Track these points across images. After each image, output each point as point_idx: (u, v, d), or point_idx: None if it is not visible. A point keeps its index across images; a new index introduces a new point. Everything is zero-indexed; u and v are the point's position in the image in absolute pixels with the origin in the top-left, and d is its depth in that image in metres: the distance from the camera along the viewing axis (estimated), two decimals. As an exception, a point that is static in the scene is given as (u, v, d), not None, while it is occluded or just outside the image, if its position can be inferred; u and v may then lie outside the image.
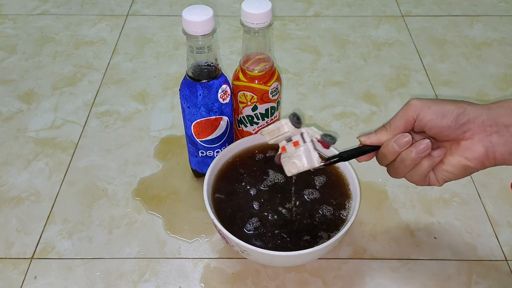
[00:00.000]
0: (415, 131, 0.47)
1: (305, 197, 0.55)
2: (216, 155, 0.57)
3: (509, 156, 0.44)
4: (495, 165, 0.45)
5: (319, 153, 0.46)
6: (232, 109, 0.58)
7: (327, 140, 0.46)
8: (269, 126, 0.47)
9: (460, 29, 0.95)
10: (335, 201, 0.54)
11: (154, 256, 0.57)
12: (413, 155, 0.46)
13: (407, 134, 0.46)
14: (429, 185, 0.49)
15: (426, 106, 0.45)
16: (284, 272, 0.55)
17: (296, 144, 0.45)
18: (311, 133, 0.46)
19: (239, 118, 0.60)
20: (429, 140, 0.46)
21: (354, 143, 0.71)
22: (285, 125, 0.45)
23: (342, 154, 0.48)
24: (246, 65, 0.55)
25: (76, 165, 0.68)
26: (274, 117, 0.60)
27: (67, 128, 0.73)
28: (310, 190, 0.55)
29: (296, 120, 0.45)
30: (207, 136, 0.57)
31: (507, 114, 0.43)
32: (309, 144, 0.45)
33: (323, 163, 0.46)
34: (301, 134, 0.46)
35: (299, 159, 0.45)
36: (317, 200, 0.54)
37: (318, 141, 0.46)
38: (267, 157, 0.59)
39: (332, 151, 0.54)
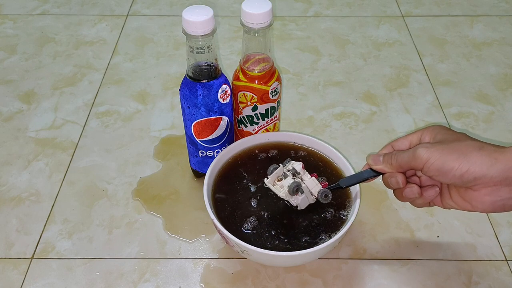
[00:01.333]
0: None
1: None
2: (216, 155, 0.57)
3: None
4: (503, 211, 0.45)
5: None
6: (232, 109, 0.58)
7: (323, 199, 0.51)
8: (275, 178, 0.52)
9: (460, 29, 0.95)
10: (335, 201, 0.54)
11: (154, 256, 0.57)
12: (416, 196, 0.48)
13: (415, 189, 0.48)
14: (433, 205, 0.50)
15: (429, 162, 0.44)
16: (284, 272, 0.55)
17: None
18: (310, 187, 0.51)
19: (239, 118, 0.60)
20: (435, 190, 0.48)
21: (354, 143, 0.71)
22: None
23: (340, 185, 0.51)
24: (246, 65, 0.55)
25: (76, 165, 0.68)
26: (274, 117, 0.60)
27: (67, 128, 0.73)
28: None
29: (324, 198, 0.51)
30: (207, 136, 0.57)
31: None
32: (307, 194, 0.51)
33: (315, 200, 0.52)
34: (301, 182, 0.51)
35: (297, 202, 0.51)
36: (317, 200, 0.54)
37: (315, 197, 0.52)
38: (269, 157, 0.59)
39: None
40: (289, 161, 0.52)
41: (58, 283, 0.54)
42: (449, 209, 0.48)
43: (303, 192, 0.50)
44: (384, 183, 0.50)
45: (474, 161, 0.42)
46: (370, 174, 0.50)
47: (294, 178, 0.50)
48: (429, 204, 0.50)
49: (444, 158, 0.43)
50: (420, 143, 0.47)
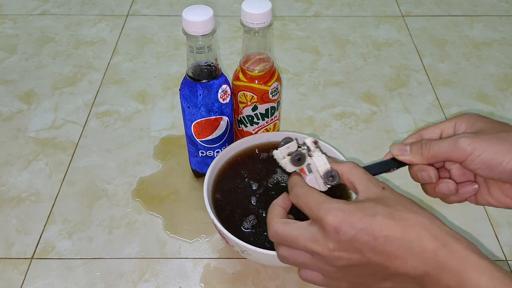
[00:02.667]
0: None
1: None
2: (216, 155, 0.57)
3: None
4: None
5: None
6: (232, 109, 0.58)
7: (328, 181, 0.43)
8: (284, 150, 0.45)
9: (460, 29, 0.95)
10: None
11: (154, 256, 0.57)
12: (452, 193, 0.43)
13: (451, 185, 0.43)
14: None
15: (474, 154, 0.38)
16: (284, 272, 0.55)
17: (302, 171, 0.44)
18: (317, 165, 0.43)
19: (239, 118, 0.60)
20: (473, 188, 0.43)
21: (354, 143, 0.71)
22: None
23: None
24: (246, 65, 0.55)
25: (76, 165, 0.68)
26: (274, 117, 0.60)
27: (67, 128, 0.73)
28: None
29: (297, 161, 0.43)
30: (207, 136, 0.57)
31: None
32: (316, 174, 0.43)
33: (329, 187, 0.44)
34: (308, 165, 0.43)
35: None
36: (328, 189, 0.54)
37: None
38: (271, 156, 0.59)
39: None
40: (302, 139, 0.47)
41: (58, 283, 0.54)
42: (483, 205, 0.44)
43: (311, 171, 0.44)
44: (412, 176, 0.44)
45: None
46: (393, 165, 0.44)
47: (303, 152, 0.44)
48: (463, 200, 0.45)
49: (493, 150, 0.38)
50: (455, 133, 0.42)
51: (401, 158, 0.43)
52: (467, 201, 0.45)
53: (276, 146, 0.60)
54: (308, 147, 0.44)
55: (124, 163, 0.68)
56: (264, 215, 0.53)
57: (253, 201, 0.54)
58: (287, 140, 0.44)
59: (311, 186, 0.41)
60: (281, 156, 0.43)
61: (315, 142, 0.45)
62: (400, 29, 0.95)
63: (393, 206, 0.36)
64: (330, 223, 0.35)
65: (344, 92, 0.80)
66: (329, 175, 0.43)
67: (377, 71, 0.85)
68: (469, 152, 0.38)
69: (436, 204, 0.63)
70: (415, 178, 0.44)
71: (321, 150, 0.44)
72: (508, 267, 0.56)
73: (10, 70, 0.84)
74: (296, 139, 0.44)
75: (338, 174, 0.42)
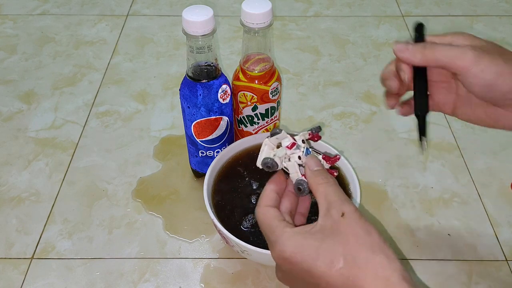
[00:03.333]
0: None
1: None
2: (216, 155, 0.57)
3: None
4: None
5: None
6: (232, 109, 0.58)
7: (297, 191, 0.43)
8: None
9: (460, 29, 0.95)
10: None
11: (154, 256, 0.57)
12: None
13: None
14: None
15: (478, 68, 0.37)
16: (284, 272, 0.55)
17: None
18: (290, 171, 0.44)
19: (239, 118, 0.60)
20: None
21: (354, 143, 0.71)
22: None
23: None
24: (246, 65, 0.55)
25: (76, 165, 0.68)
26: (274, 117, 0.60)
27: (67, 128, 0.73)
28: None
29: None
30: (207, 136, 0.57)
31: None
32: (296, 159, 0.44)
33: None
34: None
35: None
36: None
37: (309, 139, 0.45)
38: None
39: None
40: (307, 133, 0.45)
41: (58, 283, 0.54)
42: (459, 118, 0.44)
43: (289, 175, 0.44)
44: (382, 75, 0.44)
45: None
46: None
47: (285, 151, 0.44)
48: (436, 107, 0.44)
49: (496, 69, 0.37)
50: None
51: (400, 55, 0.41)
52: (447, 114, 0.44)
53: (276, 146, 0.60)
54: (297, 145, 0.44)
55: (124, 163, 0.68)
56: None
57: (253, 200, 0.54)
58: (274, 132, 0.44)
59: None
60: (271, 145, 0.44)
61: (313, 135, 0.44)
62: (400, 29, 0.95)
63: (343, 243, 0.35)
64: (278, 247, 0.38)
65: (344, 92, 0.80)
66: (297, 186, 0.43)
67: (377, 71, 0.85)
68: (471, 66, 0.37)
69: (436, 205, 0.63)
70: (383, 78, 0.44)
71: (310, 147, 0.44)
72: (508, 267, 0.56)
73: (10, 70, 0.84)
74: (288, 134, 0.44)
75: (307, 186, 0.42)
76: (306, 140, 0.44)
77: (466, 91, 0.42)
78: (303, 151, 0.43)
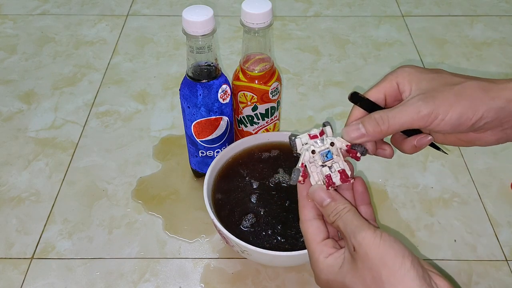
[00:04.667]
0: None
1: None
2: (216, 155, 0.57)
3: None
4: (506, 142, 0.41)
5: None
6: (232, 109, 0.58)
7: (359, 149, 0.40)
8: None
9: (460, 29, 0.95)
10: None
11: (154, 256, 0.57)
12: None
13: (388, 151, 0.42)
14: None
15: (438, 119, 0.37)
16: (284, 272, 0.55)
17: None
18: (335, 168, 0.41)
19: (239, 118, 0.60)
20: (428, 139, 0.41)
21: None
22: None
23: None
24: (246, 65, 0.55)
25: (76, 165, 0.68)
26: (274, 117, 0.60)
27: (67, 128, 0.73)
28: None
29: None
30: (207, 136, 0.57)
31: None
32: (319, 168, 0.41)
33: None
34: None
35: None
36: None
37: (347, 151, 0.41)
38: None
39: None
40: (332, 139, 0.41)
41: (58, 283, 0.54)
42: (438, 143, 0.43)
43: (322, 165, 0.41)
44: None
45: (487, 106, 0.37)
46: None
47: (307, 140, 0.41)
48: (418, 150, 0.43)
49: (457, 109, 0.37)
50: (402, 95, 0.40)
51: (357, 141, 0.40)
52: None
53: (276, 146, 0.60)
54: (321, 139, 0.41)
55: (124, 163, 0.68)
56: (264, 214, 0.53)
57: (253, 201, 0.54)
58: (324, 123, 0.42)
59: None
60: (301, 142, 0.41)
61: (351, 151, 0.41)
62: (400, 29, 0.95)
63: (361, 282, 0.34)
64: (316, 271, 0.38)
65: (344, 92, 0.80)
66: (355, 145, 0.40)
67: (377, 71, 0.85)
68: (433, 117, 0.37)
69: (436, 205, 0.63)
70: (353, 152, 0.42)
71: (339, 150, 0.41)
72: (508, 267, 0.56)
73: (10, 70, 0.84)
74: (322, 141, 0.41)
75: (296, 175, 0.40)
76: (340, 149, 0.41)
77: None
78: (321, 151, 0.40)
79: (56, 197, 0.64)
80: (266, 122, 0.60)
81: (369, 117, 0.39)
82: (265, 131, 0.61)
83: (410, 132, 0.41)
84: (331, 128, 0.41)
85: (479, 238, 0.59)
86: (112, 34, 0.93)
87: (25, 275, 0.55)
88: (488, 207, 0.63)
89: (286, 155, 0.59)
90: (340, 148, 0.41)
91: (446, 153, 0.45)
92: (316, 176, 0.40)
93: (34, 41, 0.91)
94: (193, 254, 0.57)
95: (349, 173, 0.40)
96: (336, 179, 0.40)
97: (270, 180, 0.56)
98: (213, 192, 0.55)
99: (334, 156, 0.40)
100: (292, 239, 0.51)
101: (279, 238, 0.51)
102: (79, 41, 0.91)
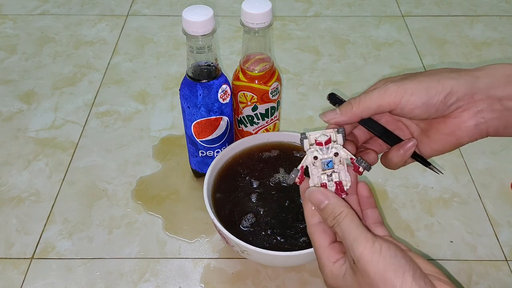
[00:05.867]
0: (391, 113, 0.41)
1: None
2: (216, 155, 0.57)
3: (503, 130, 0.40)
4: (487, 136, 0.41)
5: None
6: (232, 109, 0.58)
7: (363, 164, 0.40)
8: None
9: (460, 29, 0.95)
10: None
11: (154, 256, 0.57)
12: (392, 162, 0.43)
13: (372, 155, 0.43)
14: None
15: (407, 93, 0.38)
16: (284, 272, 0.55)
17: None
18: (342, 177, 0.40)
19: (239, 118, 0.60)
20: (413, 143, 0.41)
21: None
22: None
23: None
24: (246, 65, 0.55)
25: (76, 165, 0.68)
26: (274, 117, 0.60)
27: (67, 128, 0.73)
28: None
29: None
30: (207, 136, 0.57)
31: (499, 85, 0.38)
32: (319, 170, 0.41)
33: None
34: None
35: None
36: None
37: (353, 162, 0.41)
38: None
39: None
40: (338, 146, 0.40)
41: (58, 283, 0.54)
42: (432, 156, 0.43)
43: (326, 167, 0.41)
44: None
45: (456, 80, 0.38)
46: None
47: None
48: (407, 158, 0.42)
49: (423, 86, 0.38)
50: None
51: (333, 121, 0.41)
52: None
53: (276, 146, 0.60)
54: (322, 148, 0.40)
55: (124, 163, 0.68)
56: (264, 214, 0.53)
57: (253, 201, 0.54)
58: (338, 129, 0.41)
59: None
60: (309, 143, 0.40)
61: (355, 165, 0.40)
62: (400, 29, 0.95)
63: None
64: (324, 275, 0.38)
65: (344, 92, 0.80)
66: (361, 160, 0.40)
67: (377, 71, 0.85)
68: (400, 94, 0.38)
69: (436, 205, 0.63)
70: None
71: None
72: (508, 267, 0.56)
73: (10, 70, 0.84)
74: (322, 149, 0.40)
75: (293, 177, 0.40)
76: (345, 160, 0.40)
77: (417, 130, 0.43)
78: (324, 159, 0.40)
79: (56, 197, 0.64)
80: (266, 122, 0.60)
81: (346, 102, 0.42)
82: (265, 131, 0.61)
83: (392, 141, 0.43)
84: (343, 137, 0.41)
85: (479, 238, 0.59)
86: (112, 34, 0.93)
87: (25, 275, 0.55)
88: (488, 207, 0.63)
89: (286, 155, 0.59)
90: (345, 159, 0.40)
91: (441, 172, 0.44)
92: (316, 179, 0.40)
93: (34, 41, 0.91)
94: (193, 254, 0.57)
95: (347, 186, 0.40)
96: (331, 189, 0.40)
97: (270, 180, 0.56)
98: (213, 192, 0.55)
99: (336, 166, 0.40)
100: (292, 239, 0.51)
101: (278, 238, 0.51)
102: (79, 41, 0.91)
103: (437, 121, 0.41)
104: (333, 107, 0.43)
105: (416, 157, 0.43)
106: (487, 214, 0.62)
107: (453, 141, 0.41)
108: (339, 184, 0.40)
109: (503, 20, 0.98)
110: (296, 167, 0.41)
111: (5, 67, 0.85)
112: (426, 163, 0.43)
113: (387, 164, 0.44)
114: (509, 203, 0.63)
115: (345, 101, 0.43)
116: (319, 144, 0.40)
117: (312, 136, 0.41)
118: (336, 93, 0.45)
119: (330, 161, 0.40)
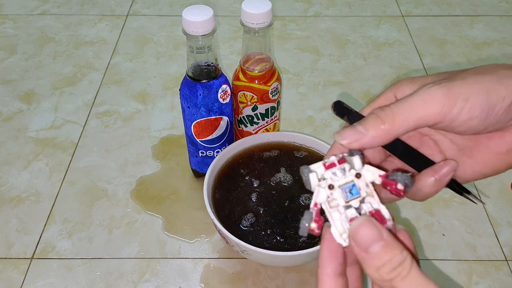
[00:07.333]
0: (431, 128, 0.30)
1: (306, 196, 0.55)
2: (216, 155, 0.57)
3: None
4: None
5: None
6: (232, 109, 0.58)
7: (401, 178, 0.28)
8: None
9: (460, 29, 0.95)
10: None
11: (154, 256, 0.57)
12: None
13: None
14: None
15: (460, 99, 0.27)
16: (284, 272, 0.55)
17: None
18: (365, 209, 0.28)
19: (239, 118, 0.60)
20: (453, 165, 0.30)
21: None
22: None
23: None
24: (246, 65, 0.55)
25: (76, 165, 0.68)
26: (274, 117, 0.60)
27: (67, 128, 0.73)
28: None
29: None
30: (207, 136, 0.57)
31: None
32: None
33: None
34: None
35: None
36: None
37: (383, 185, 0.29)
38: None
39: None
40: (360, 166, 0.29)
41: (58, 283, 0.54)
42: (472, 181, 0.35)
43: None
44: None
45: None
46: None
47: (322, 170, 0.29)
48: (443, 186, 0.31)
49: (482, 87, 0.27)
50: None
51: (356, 144, 0.29)
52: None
53: (276, 146, 0.60)
54: (339, 168, 0.29)
55: (124, 163, 0.68)
56: (263, 214, 0.53)
57: (253, 201, 0.54)
58: (351, 153, 0.29)
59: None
60: (318, 176, 0.29)
61: (387, 181, 0.28)
62: (400, 29, 0.95)
63: None
64: None
65: (344, 92, 0.80)
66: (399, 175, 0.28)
67: (377, 71, 0.85)
68: (452, 102, 0.27)
69: (436, 205, 0.63)
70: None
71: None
72: (508, 267, 0.56)
73: (10, 70, 0.84)
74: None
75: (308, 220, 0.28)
76: (371, 183, 0.29)
77: (453, 148, 0.32)
78: (342, 185, 0.28)
79: (56, 197, 0.64)
80: (266, 122, 0.60)
81: (370, 114, 0.30)
82: (265, 131, 0.61)
83: (419, 165, 0.32)
84: (361, 160, 0.29)
85: (479, 238, 0.59)
86: (112, 34, 0.93)
87: (25, 275, 0.55)
88: (488, 207, 0.63)
89: (286, 155, 0.59)
90: (372, 182, 0.29)
91: (482, 202, 0.33)
92: (340, 226, 0.28)
93: (34, 41, 0.91)
94: (193, 254, 0.57)
95: (386, 215, 0.28)
96: None
97: (270, 180, 0.56)
98: (213, 192, 0.55)
99: (363, 192, 0.28)
100: (292, 239, 0.51)
101: (278, 237, 0.51)
102: (79, 41, 0.91)
103: (489, 136, 0.30)
104: (340, 119, 0.33)
105: (453, 184, 0.32)
106: (487, 214, 0.62)
107: (503, 164, 0.31)
108: (376, 214, 0.28)
109: (503, 20, 0.98)
110: (308, 209, 0.28)
111: (5, 67, 0.85)
112: (465, 191, 0.32)
113: (414, 195, 0.32)
114: (509, 203, 0.63)
115: (355, 111, 0.33)
116: (331, 166, 0.29)
117: (319, 167, 0.29)
118: (342, 100, 0.35)
119: (354, 185, 0.28)
